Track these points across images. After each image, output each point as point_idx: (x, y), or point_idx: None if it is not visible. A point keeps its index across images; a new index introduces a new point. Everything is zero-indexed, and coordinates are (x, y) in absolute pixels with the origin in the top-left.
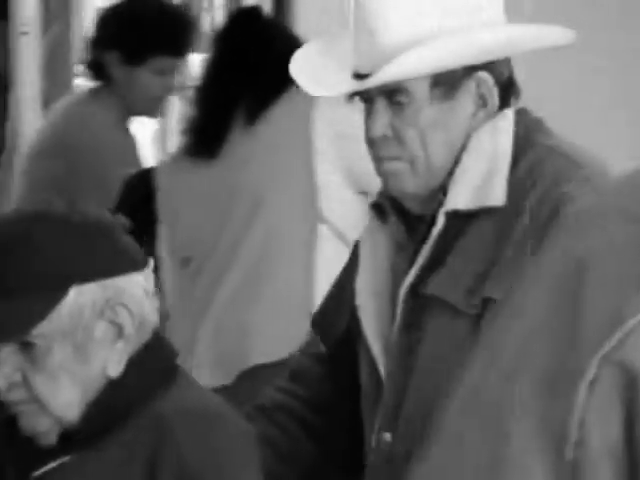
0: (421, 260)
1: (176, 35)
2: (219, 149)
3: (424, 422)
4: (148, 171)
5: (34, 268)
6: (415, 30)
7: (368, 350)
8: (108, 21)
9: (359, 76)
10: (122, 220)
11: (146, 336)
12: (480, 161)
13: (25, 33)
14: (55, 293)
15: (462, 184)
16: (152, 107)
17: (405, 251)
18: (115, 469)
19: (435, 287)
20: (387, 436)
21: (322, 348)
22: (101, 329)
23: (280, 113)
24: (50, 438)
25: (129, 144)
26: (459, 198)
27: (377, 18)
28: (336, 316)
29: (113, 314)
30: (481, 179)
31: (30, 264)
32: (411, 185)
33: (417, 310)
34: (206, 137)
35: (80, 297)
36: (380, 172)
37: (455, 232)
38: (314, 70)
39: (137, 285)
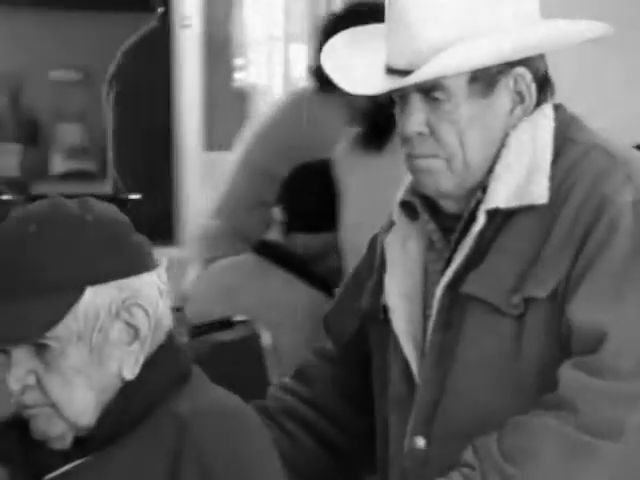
0: (459, 259)
1: None
2: (387, 142)
3: (462, 425)
4: (326, 161)
5: (49, 269)
6: (456, 26)
7: (399, 351)
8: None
9: (393, 71)
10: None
11: (161, 337)
12: (521, 158)
13: (187, 26)
14: (71, 294)
15: (503, 182)
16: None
17: (437, 250)
18: (133, 471)
19: (475, 286)
20: (420, 440)
21: (332, 348)
22: (117, 331)
23: None
24: (64, 442)
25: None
26: (500, 196)
27: (417, 14)
28: (348, 317)
29: (129, 315)
30: (523, 176)
31: (45, 265)
32: (447, 183)
33: (454, 309)
34: (376, 130)
35: (96, 298)
36: (414, 170)
37: (494, 230)
38: (346, 66)
39: (151, 285)
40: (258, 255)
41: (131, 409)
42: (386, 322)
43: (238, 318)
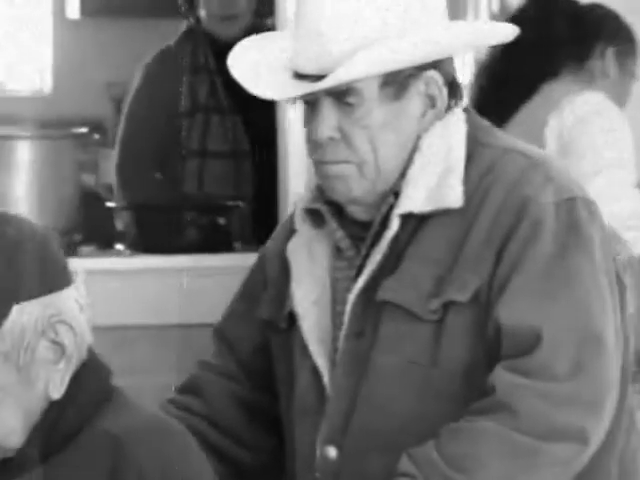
0: (372, 265)
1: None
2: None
3: (377, 435)
4: None
5: None
6: (367, 31)
7: (307, 360)
8: (602, 18)
9: (301, 77)
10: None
11: (83, 354)
12: (434, 162)
13: None
14: None
15: (416, 186)
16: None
17: (347, 257)
18: None
19: (390, 293)
20: (332, 450)
21: (224, 362)
22: (43, 349)
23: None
24: None
25: None
26: (414, 200)
27: (328, 20)
28: (246, 329)
29: (54, 333)
30: (436, 180)
31: None
32: (359, 189)
33: (367, 317)
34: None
35: (21, 316)
36: (325, 176)
37: (408, 235)
38: (253, 70)
39: (72, 300)
40: None
41: (59, 429)
42: (289, 331)
43: None
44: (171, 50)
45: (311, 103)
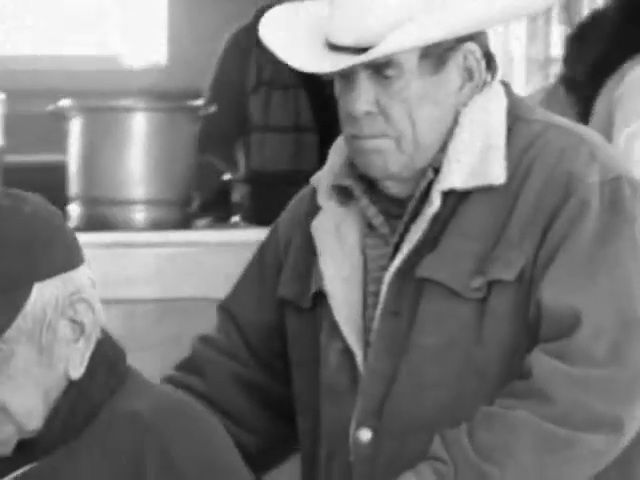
0: (411, 242)
1: None
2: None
3: (415, 417)
4: None
5: None
6: (407, 2)
7: (337, 339)
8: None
9: (338, 48)
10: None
11: (98, 332)
12: (475, 137)
13: None
14: (19, 293)
15: (458, 161)
16: None
17: (380, 235)
18: (90, 473)
19: (431, 270)
20: (367, 433)
21: (228, 339)
22: (63, 328)
23: None
24: (6, 448)
25: None
26: (456, 176)
27: None
28: (256, 306)
29: (73, 311)
30: (478, 156)
31: None
32: (396, 164)
33: (405, 295)
34: (578, 93)
35: (43, 295)
36: (361, 151)
37: (449, 212)
38: (290, 39)
39: (86, 277)
40: None
41: (79, 410)
42: (312, 311)
43: None
44: (249, 25)
45: (346, 76)
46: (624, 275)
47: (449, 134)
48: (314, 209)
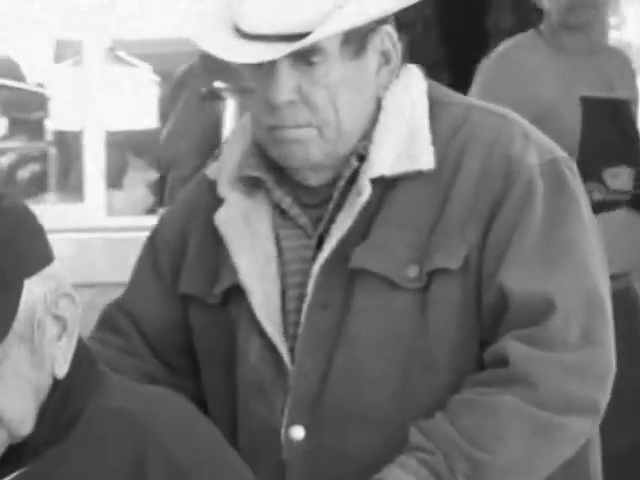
0: (340, 232)
1: None
2: None
3: (353, 410)
4: None
5: None
6: None
7: (259, 335)
8: None
9: (255, 37)
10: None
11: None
12: (399, 121)
13: None
14: (12, 292)
15: (385, 147)
16: None
17: (299, 225)
18: (84, 475)
19: (364, 260)
20: (299, 431)
21: (125, 337)
22: (50, 326)
23: None
24: None
25: None
26: (384, 162)
27: None
28: (153, 302)
29: (55, 307)
30: (404, 141)
31: None
32: (319, 154)
33: (334, 287)
34: None
35: (32, 292)
36: (282, 141)
37: (376, 200)
38: (207, 28)
39: (60, 271)
40: (632, 209)
41: (66, 410)
42: (221, 307)
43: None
44: None
45: (261, 65)
46: (581, 256)
47: (371, 120)
48: (214, 202)
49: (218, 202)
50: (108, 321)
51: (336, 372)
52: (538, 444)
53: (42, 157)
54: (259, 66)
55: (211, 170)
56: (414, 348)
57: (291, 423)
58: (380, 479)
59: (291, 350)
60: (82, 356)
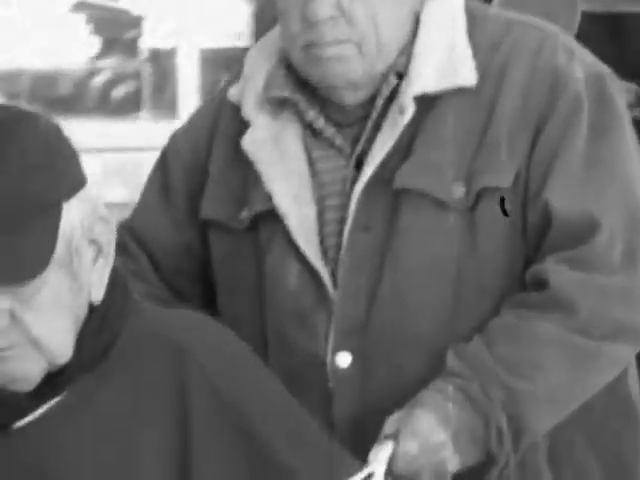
0: (382, 152)
1: None
2: None
3: (405, 333)
4: None
5: (28, 188)
6: None
7: (297, 259)
8: None
9: None
10: None
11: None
12: (440, 36)
13: None
14: (51, 215)
15: (426, 63)
16: None
17: (334, 146)
18: (126, 399)
19: (412, 180)
20: (346, 357)
21: (134, 261)
22: (86, 249)
23: None
24: (30, 384)
25: None
26: (426, 79)
27: None
28: (163, 225)
29: (90, 231)
30: (445, 56)
31: (23, 184)
32: (359, 70)
33: (378, 208)
34: None
35: (69, 215)
36: (321, 59)
37: (419, 118)
38: None
39: (94, 194)
40: None
41: (104, 335)
42: (249, 231)
43: None
44: None
45: None
46: (626, 175)
47: (409, 35)
48: (237, 124)
49: (242, 124)
50: (120, 245)
51: (383, 296)
52: (577, 373)
53: (136, 75)
54: None
55: (233, 92)
56: (463, 270)
57: (336, 350)
58: (417, 403)
59: (332, 275)
60: (116, 281)
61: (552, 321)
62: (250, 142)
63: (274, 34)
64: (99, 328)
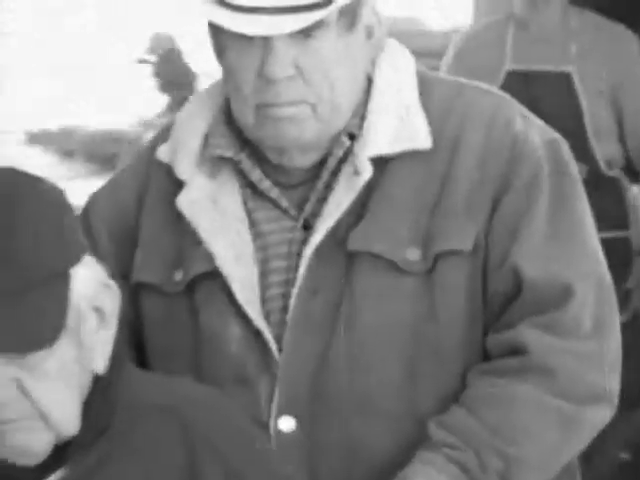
0: (338, 212)
1: None
2: None
3: (356, 398)
4: None
5: (40, 255)
6: None
7: (238, 322)
8: None
9: (251, 10)
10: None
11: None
12: (392, 97)
13: None
14: (60, 283)
15: (380, 125)
16: None
17: (275, 206)
18: (132, 473)
19: (366, 242)
20: (290, 422)
21: None
22: (91, 318)
23: None
24: (39, 457)
25: None
26: (381, 141)
27: None
28: None
29: (94, 298)
30: (397, 118)
31: (35, 251)
32: (312, 132)
33: (328, 270)
34: None
35: (77, 282)
36: (275, 119)
37: (373, 178)
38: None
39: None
40: None
41: (105, 407)
42: (183, 294)
43: None
44: None
45: (254, 40)
46: (590, 240)
47: (362, 97)
48: (168, 184)
49: (175, 184)
50: None
51: (335, 360)
52: (564, 435)
53: None
54: (250, 40)
55: (163, 151)
56: (420, 334)
57: (280, 414)
58: (406, 477)
59: (276, 339)
60: (117, 349)
61: (531, 384)
62: (186, 202)
63: (207, 93)
64: (102, 400)
